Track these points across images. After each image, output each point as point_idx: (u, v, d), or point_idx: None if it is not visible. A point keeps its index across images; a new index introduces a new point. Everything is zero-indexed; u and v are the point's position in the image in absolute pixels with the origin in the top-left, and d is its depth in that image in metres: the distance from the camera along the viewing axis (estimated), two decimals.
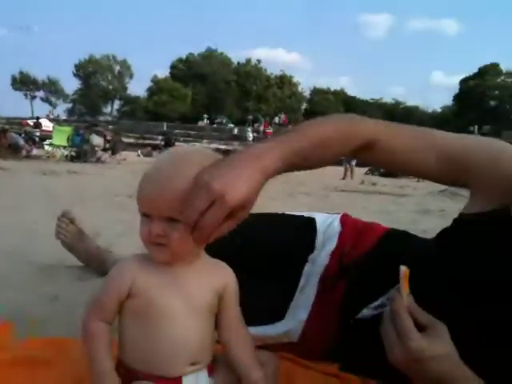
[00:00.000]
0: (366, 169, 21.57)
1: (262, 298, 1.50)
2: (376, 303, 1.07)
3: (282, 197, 7.96)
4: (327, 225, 1.60)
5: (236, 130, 40.05)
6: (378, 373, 1.28)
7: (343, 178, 16.30)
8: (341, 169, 17.43)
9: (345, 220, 1.62)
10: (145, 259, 1.09)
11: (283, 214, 1.74)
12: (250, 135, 38.60)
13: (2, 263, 2.49)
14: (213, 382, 1.11)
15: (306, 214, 1.68)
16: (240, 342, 1.13)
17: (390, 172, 20.86)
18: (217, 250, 1.15)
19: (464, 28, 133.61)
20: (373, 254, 1.45)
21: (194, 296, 1.08)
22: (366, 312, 1.08)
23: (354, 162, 17.16)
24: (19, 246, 3.04)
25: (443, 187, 10.24)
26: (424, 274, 1.19)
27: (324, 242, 1.55)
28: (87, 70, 70.34)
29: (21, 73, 70.02)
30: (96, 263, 2.33)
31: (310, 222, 1.62)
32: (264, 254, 1.57)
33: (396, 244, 1.47)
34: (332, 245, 1.53)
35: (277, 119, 50.45)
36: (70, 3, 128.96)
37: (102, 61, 71.06)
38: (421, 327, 0.96)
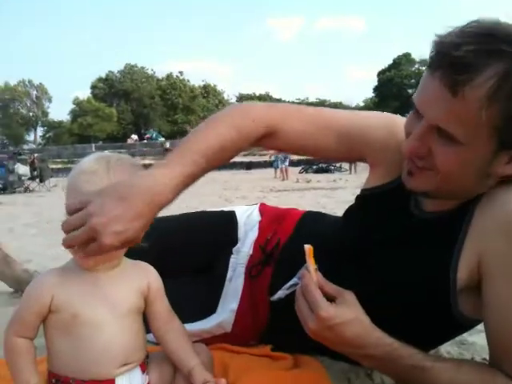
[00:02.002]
0: (299, 168, 22.01)
1: (193, 295, 1.54)
2: (289, 283, 1.12)
3: (219, 203, 8.00)
4: (247, 216, 1.66)
5: (168, 144, 39.59)
6: (307, 348, 1.35)
7: (283, 179, 16.44)
8: (269, 171, 17.73)
9: (263, 209, 1.69)
10: (63, 271, 1.10)
11: (203, 212, 1.78)
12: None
13: None
14: (147, 378, 1.13)
15: (225, 209, 1.73)
16: (174, 334, 1.16)
17: (323, 169, 21.48)
18: (139, 255, 1.17)
19: (372, 23, 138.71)
20: (292, 238, 1.52)
21: (117, 301, 1.09)
22: (280, 293, 1.13)
23: (287, 163, 17.45)
24: None
25: None
26: (331, 247, 1.27)
27: (246, 233, 1.61)
28: (4, 98, 67.49)
29: None
30: (25, 287, 2.26)
31: (231, 216, 1.67)
32: (189, 252, 1.61)
33: (312, 225, 1.55)
34: (253, 234, 1.59)
35: None
36: None
37: (18, 87, 68.45)
38: (330, 298, 1.03)
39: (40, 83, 70.90)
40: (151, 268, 1.19)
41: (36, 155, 19.64)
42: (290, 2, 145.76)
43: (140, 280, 1.14)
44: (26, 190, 15.71)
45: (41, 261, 3.27)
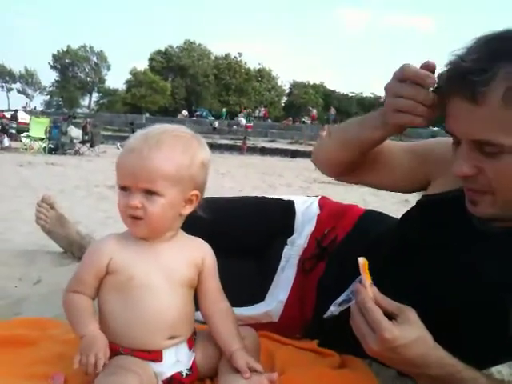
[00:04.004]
0: None
1: (243, 280, 1.53)
2: (341, 299, 1.07)
3: (263, 188, 8.01)
4: (306, 207, 1.64)
5: (216, 123, 39.92)
6: (356, 350, 1.32)
7: None
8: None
9: (323, 202, 1.66)
10: (123, 237, 1.12)
11: (263, 197, 1.76)
12: (244, 121, 40.61)
13: None
14: (193, 355, 1.14)
15: (284, 197, 1.71)
16: (221, 314, 1.17)
17: None
18: (195, 233, 1.19)
19: (440, 25, 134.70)
20: (350, 236, 1.49)
21: (172, 271, 1.11)
22: (333, 309, 1.07)
23: None
24: (1, 234, 3.04)
25: None
26: (386, 251, 1.26)
27: (303, 225, 1.59)
28: (64, 62, 68.99)
29: None
30: (77, 248, 2.32)
31: (289, 205, 1.65)
32: (244, 236, 1.61)
33: (372, 225, 1.51)
34: (310, 227, 1.57)
35: (257, 112, 50.41)
36: None
37: (79, 52, 69.85)
38: (390, 315, 0.98)
39: (101, 50, 72.14)
40: (207, 245, 1.20)
41: (88, 120, 20.09)
42: None
43: (195, 254, 1.16)
44: (76, 152, 16.09)
45: (88, 224, 3.35)
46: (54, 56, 69.20)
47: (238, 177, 9.95)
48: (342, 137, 1.38)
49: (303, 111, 54.88)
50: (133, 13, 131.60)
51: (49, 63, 69.26)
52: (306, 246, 1.53)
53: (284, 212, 1.64)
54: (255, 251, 1.59)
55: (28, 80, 72.26)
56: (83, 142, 16.89)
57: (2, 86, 70.57)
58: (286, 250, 1.54)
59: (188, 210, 1.12)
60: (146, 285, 1.08)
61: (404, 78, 1.07)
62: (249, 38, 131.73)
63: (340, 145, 1.38)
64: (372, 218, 1.58)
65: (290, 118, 45.03)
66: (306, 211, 1.62)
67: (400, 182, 1.44)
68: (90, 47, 71.35)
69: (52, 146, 16.19)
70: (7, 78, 70.50)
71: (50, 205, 2.37)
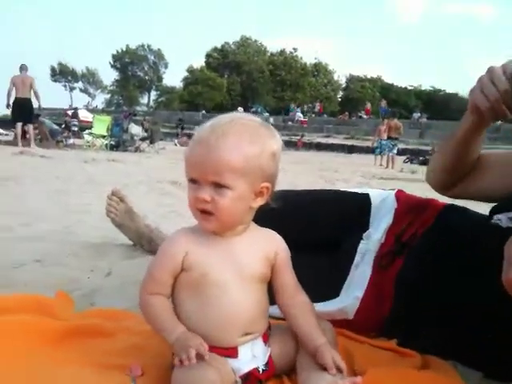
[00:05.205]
0: (404, 157, 21.11)
1: (315, 274, 1.48)
2: None
3: (320, 183, 7.93)
4: (381, 200, 1.57)
5: (272, 119, 39.93)
6: (440, 350, 1.26)
7: (386, 167, 15.78)
8: (371, 157, 17.23)
9: (400, 195, 1.59)
10: (195, 232, 1.09)
11: (337, 191, 1.72)
12: (301, 116, 40.63)
13: (56, 243, 2.56)
14: (269, 350, 1.11)
15: (359, 191, 1.66)
16: (301, 308, 1.13)
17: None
18: (268, 226, 1.15)
19: (501, 13, 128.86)
20: (432, 230, 1.42)
21: (245, 266, 1.08)
22: (503, 220, 1.03)
23: (395, 151, 16.66)
24: (72, 227, 3.12)
25: None
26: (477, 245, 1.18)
27: (379, 218, 1.53)
28: (124, 61, 70.87)
29: (60, 64, 71.16)
30: (146, 241, 2.34)
31: (365, 198, 1.59)
32: (317, 230, 1.57)
33: (455, 220, 1.43)
34: (387, 221, 1.50)
35: (306, 107, 50.01)
36: None
37: (137, 51, 71.50)
38: None
39: (158, 49, 73.55)
40: (280, 237, 1.16)
41: (146, 118, 20.54)
42: None
43: (268, 247, 1.13)
44: (137, 149, 16.43)
45: (153, 218, 3.39)
46: (113, 56, 71.15)
47: (295, 173, 9.89)
48: (441, 142, 1.52)
49: (360, 105, 53.94)
50: (189, 11, 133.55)
51: (109, 63, 71.32)
52: (383, 241, 1.47)
53: (359, 206, 1.58)
54: (328, 245, 1.55)
55: (89, 79, 74.58)
56: (143, 139, 17.26)
57: (65, 86, 73.11)
58: (362, 245, 1.49)
59: (259, 202, 1.07)
60: (220, 281, 1.05)
61: (508, 75, 1.18)
62: (304, 32, 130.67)
63: (440, 149, 1.53)
64: (455, 212, 1.49)
65: (347, 113, 44.37)
66: (382, 205, 1.55)
67: (499, 187, 1.42)
68: (148, 46, 72.90)
69: (113, 143, 16.63)
70: (70, 78, 72.99)
71: (120, 198, 2.41)
